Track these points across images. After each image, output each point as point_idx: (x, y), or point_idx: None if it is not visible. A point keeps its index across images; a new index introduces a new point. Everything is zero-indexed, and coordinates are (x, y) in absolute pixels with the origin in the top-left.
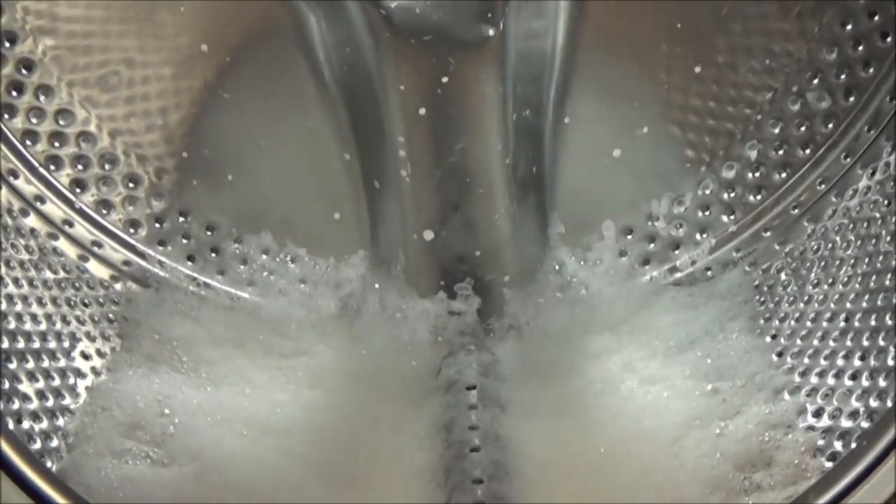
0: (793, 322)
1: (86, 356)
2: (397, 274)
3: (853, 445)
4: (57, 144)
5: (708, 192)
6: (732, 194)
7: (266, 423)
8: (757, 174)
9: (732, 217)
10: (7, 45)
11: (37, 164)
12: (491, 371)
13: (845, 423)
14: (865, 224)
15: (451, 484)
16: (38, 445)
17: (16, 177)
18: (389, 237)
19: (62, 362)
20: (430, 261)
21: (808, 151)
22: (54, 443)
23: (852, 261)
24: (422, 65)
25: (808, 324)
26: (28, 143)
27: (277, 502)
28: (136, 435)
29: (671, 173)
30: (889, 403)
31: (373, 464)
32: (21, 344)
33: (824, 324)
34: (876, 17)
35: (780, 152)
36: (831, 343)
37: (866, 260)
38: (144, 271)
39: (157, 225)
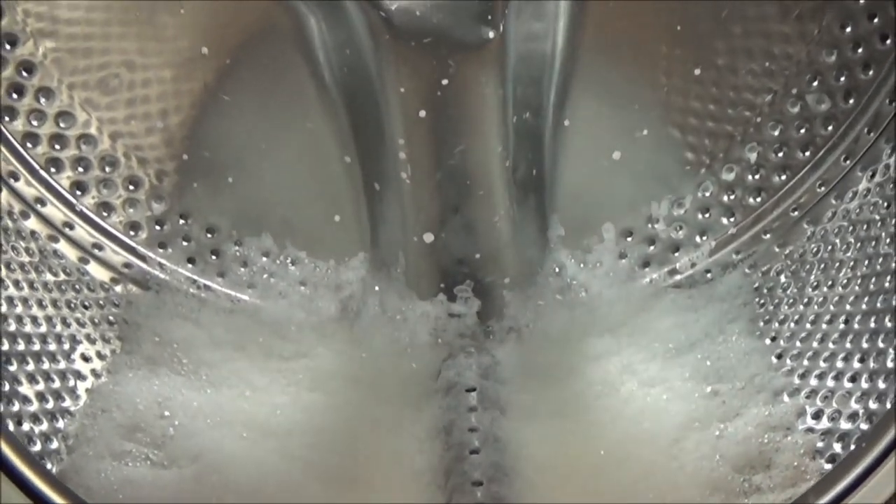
0: (792, 324)
1: (86, 358)
2: (397, 276)
3: (852, 447)
4: (57, 147)
5: (708, 194)
6: (732, 196)
7: (266, 425)
8: (757, 176)
9: (732, 219)
10: (7, 47)
11: (37, 167)
12: (491, 373)
13: (845, 425)
14: (865, 226)
15: (450, 486)
16: (38, 447)
17: (16, 179)
18: (389, 239)
19: (62, 364)
20: (430, 263)
21: (807, 154)
22: (54, 445)
23: (852, 263)
24: (422, 67)
25: (808, 326)
26: (28, 145)
27: None
28: (136, 437)
29: (671, 175)
30: (888, 405)
31: (373, 466)
32: (21, 346)
33: (824, 326)
34: (875, 20)
35: (780, 154)
36: (831, 345)
37: (866, 262)
38: (145, 274)
39: (158, 227)
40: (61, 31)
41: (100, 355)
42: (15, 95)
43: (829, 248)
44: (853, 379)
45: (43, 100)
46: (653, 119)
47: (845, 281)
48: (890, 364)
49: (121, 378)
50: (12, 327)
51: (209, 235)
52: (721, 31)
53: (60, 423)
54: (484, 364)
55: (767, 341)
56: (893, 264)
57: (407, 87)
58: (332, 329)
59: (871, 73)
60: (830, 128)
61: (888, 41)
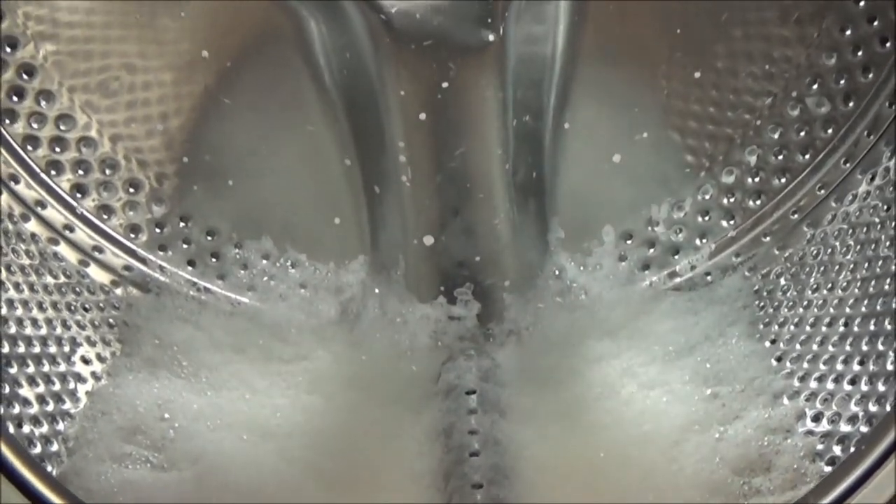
0: (792, 327)
1: (86, 361)
2: (397, 279)
3: (852, 450)
4: (58, 149)
5: (707, 197)
6: (732, 199)
7: (266, 427)
8: (756, 179)
9: (732, 222)
10: (8, 50)
11: (38, 169)
12: (491, 376)
13: (844, 427)
14: (865, 229)
15: (450, 488)
16: (38, 450)
17: (17, 182)
18: (390, 242)
19: (62, 367)
20: (431, 266)
21: (807, 156)
22: (54, 447)
23: (852, 266)
24: (422, 70)
25: (808, 328)
26: (29, 148)
27: None
28: (136, 439)
29: (671, 178)
30: (888, 408)
31: (372, 468)
32: (21, 348)
33: (823, 328)
34: (875, 23)
35: (780, 157)
36: (830, 348)
37: (866, 265)
38: (145, 276)
39: (158, 230)
40: (62, 33)
41: (100, 358)
42: (15, 98)
43: (829, 250)
44: (853, 381)
45: (43, 102)
46: (653, 122)
47: (845, 284)
48: (889, 367)
49: (121, 380)
50: (12, 330)
51: (209, 238)
52: (721, 34)
53: (60, 426)
54: (484, 367)
55: (767, 344)
56: (893, 267)
57: (407, 89)
58: (332, 332)
59: (870, 76)
60: (830, 131)
61: (888, 44)
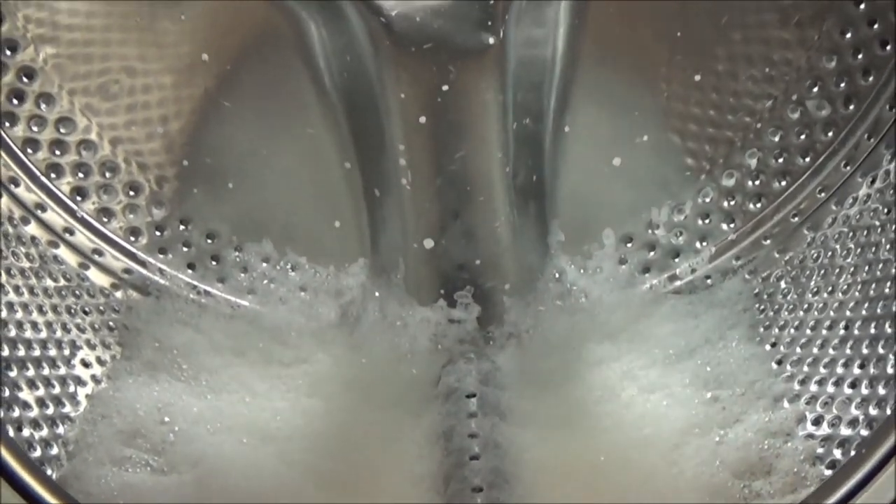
0: (792, 330)
1: (86, 364)
2: (397, 282)
3: (853, 453)
4: (58, 152)
5: (708, 200)
6: (732, 202)
7: (266, 430)
8: (757, 182)
9: (732, 225)
10: (8, 53)
11: (38, 172)
12: (491, 379)
13: (845, 431)
14: (865, 232)
15: (450, 492)
16: (38, 453)
17: (17, 185)
18: (390, 245)
19: (62, 370)
20: (431, 269)
21: (807, 160)
22: (54, 450)
23: (852, 269)
24: (422, 73)
25: (808, 332)
26: (29, 151)
27: None
28: (136, 443)
29: (671, 181)
30: (888, 411)
31: (372, 471)
32: (21, 352)
33: (824, 332)
34: (875, 26)
35: (780, 160)
36: (831, 351)
37: (866, 268)
38: (145, 279)
39: (158, 233)
40: (62, 36)
41: (100, 361)
42: (15, 101)
43: (830, 253)
44: (853, 385)
45: (43, 105)
46: (653, 125)
47: (845, 287)
48: (890, 370)
49: (121, 384)
50: (12, 333)
51: (209, 241)
52: (721, 37)
53: (60, 429)
54: (484, 370)
55: (767, 347)
56: (893, 270)
57: (407, 92)
58: (332, 335)
59: (871, 78)
60: (830, 134)
61: (888, 47)
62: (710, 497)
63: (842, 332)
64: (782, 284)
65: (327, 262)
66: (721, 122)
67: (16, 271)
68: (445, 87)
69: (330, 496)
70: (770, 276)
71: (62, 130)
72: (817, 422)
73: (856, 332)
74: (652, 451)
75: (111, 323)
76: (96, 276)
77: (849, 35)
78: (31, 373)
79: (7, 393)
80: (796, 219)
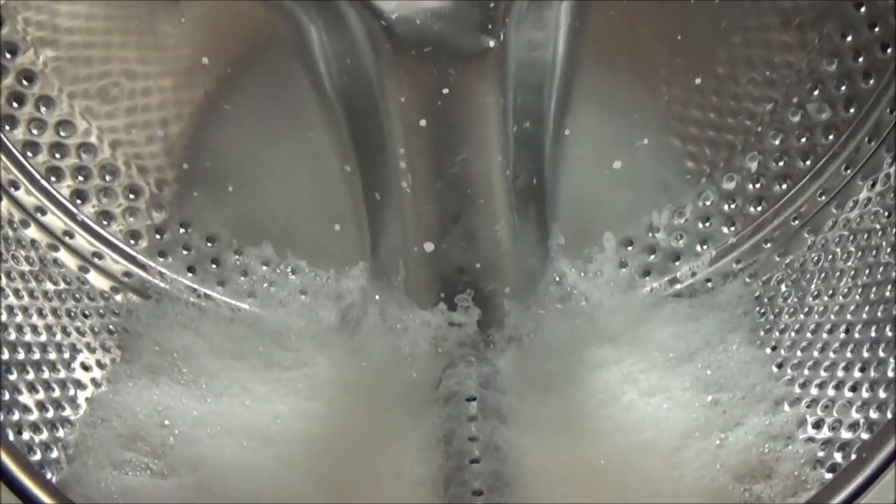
0: (793, 333)
1: (86, 367)
2: (398, 285)
3: (853, 457)
4: (58, 155)
5: (708, 203)
6: (733, 206)
7: (266, 434)
8: (757, 185)
9: (733, 228)
10: (8, 56)
11: (37, 176)
12: (491, 382)
13: (845, 434)
14: (866, 235)
15: (450, 495)
16: (38, 457)
17: (16, 188)
18: (390, 248)
19: (62, 373)
20: (431, 272)
21: (808, 163)
22: (54, 454)
23: (852, 272)
24: (422, 76)
25: (809, 335)
26: (29, 154)
27: None
28: (136, 446)
29: (671, 185)
30: (889, 415)
31: (372, 475)
32: (21, 355)
33: (824, 335)
34: (876, 29)
35: (781, 164)
36: (831, 354)
37: (867, 271)
38: (145, 282)
39: (158, 236)
40: (62, 39)
41: (100, 364)
42: (15, 104)
43: (830, 257)
44: (854, 388)
45: (43, 108)
46: (653, 128)
47: (846, 290)
48: (890, 373)
49: (121, 387)
50: (12, 336)
51: (209, 244)
52: (721, 40)
53: (60, 433)
54: (484, 373)
55: (768, 350)
56: (894, 273)
57: (407, 96)
58: (333, 338)
59: (871, 82)
60: (831, 137)
61: (889, 50)
62: (710, 500)
63: (842, 335)
64: (783, 288)
65: (327, 265)
66: (721, 126)
67: (15, 275)
68: (446, 91)
69: (330, 499)
70: (770, 280)
71: (62, 133)
72: (818, 425)
73: (856, 335)
74: (652, 454)
75: (111, 326)
76: (96, 280)
77: (849, 38)
78: (30, 376)
79: (7, 396)
80: (797, 222)
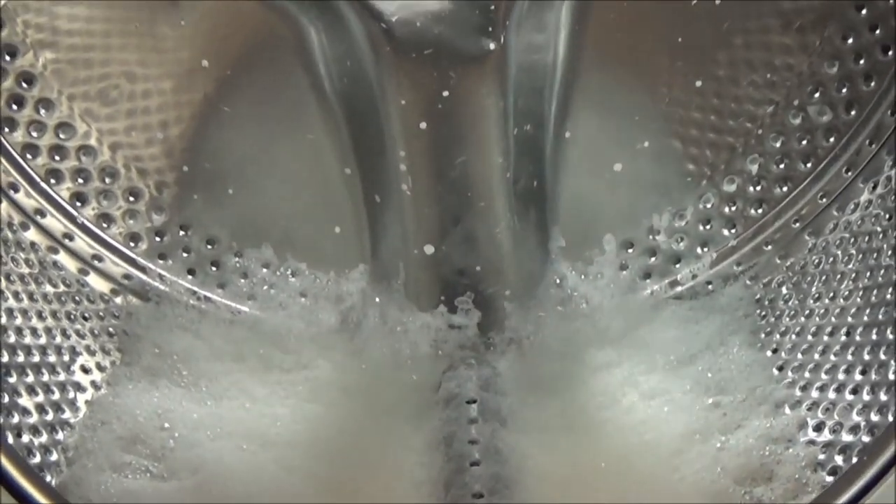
0: (794, 336)
1: (86, 370)
2: (398, 288)
3: (854, 460)
4: (57, 158)
5: (709, 205)
6: (733, 208)
7: (266, 436)
8: (758, 188)
9: (733, 231)
10: (7, 58)
11: (37, 178)
12: (491, 385)
13: (846, 437)
14: (867, 238)
15: (450, 498)
16: (37, 459)
17: (16, 190)
18: (390, 251)
19: (62, 376)
20: (431, 275)
21: (809, 165)
22: (54, 457)
23: (853, 275)
24: (422, 79)
25: (810, 338)
26: (28, 156)
27: None
28: (135, 449)
29: (672, 187)
30: (890, 418)
31: (373, 477)
32: (21, 358)
33: (825, 338)
34: (877, 31)
35: (782, 166)
36: (832, 357)
37: (867, 274)
38: (145, 285)
39: (158, 238)
40: (61, 42)
41: (99, 367)
42: (15, 106)
43: (831, 259)
44: (855, 391)
45: (43, 111)
46: (654, 130)
47: (847, 293)
48: (891, 376)
49: (121, 390)
50: (12, 339)
51: (209, 247)
52: (722, 42)
53: (60, 435)
54: (484, 376)
55: (769, 353)
56: (895, 276)
57: (407, 98)
58: (333, 340)
59: (872, 84)
60: (832, 139)
61: (890, 52)
62: (711, 503)
63: (843, 338)
64: (783, 290)
65: (327, 267)
66: (722, 128)
67: (15, 277)
68: (446, 93)
69: (330, 501)
70: (771, 282)
71: (62, 136)
72: (819, 428)
73: (857, 338)
74: (653, 457)
75: (111, 329)
76: (96, 282)
77: (850, 40)
78: (30, 379)
79: (6, 399)
80: (797, 224)
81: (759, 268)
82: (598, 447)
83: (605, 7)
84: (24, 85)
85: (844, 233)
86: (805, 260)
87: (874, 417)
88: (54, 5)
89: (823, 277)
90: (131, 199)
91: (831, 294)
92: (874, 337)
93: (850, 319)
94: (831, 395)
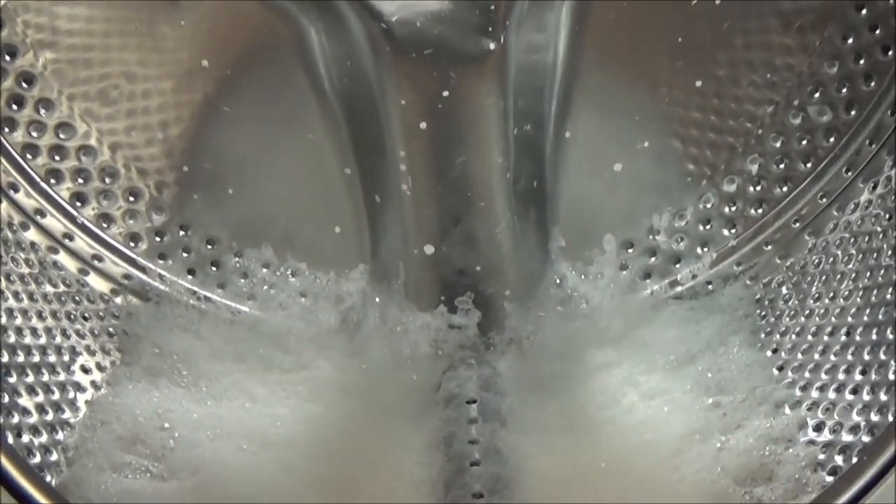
0: (794, 336)
1: (86, 370)
2: (398, 288)
3: (854, 460)
4: (57, 158)
5: (709, 205)
6: (733, 208)
7: (266, 436)
8: (758, 188)
9: (733, 231)
10: (7, 58)
11: (37, 178)
12: (491, 385)
13: (846, 437)
14: (867, 238)
15: (450, 498)
16: (37, 459)
17: (16, 190)
18: (390, 251)
19: (62, 376)
20: (431, 275)
21: (809, 165)
22: (54, 457)
23: (853, 275)
24: (422, 79)
25: (810, 338)
26: (28, 156)
27: None
28: (135, 449)
29: (672, 187)
30: (890, 418)
31: (372, 478)
32: (21, 358)
33: (825, 338)
34: (877, 31)
35: (782, 166)
36: (832, 357)
37: (867, 274)
38: (145, 285)
39: (158, 238)
40: (61, 42)
41: (99, 367)
42: (15, 106)
43: (831, 259)
44: (855, 391)
45: (43, 111)
46: (654, 131)
47: (847, 293)
48: (891, 376)
49: (120, 390)
50: (12, 339)
51: (209, 247)
52: (722, 42)
53: (60, 435)
54: (485, 376)
55: (769, 353)
56: (895, 276)
57: (407, 98)
58: (333, 340)
59: (872, 84)
60: (832, 139)
61: (890, 52)
62: (711, 503)
63: (843, 338)
64: (783, 290)
65: (327, 267)
66: (722, 128)
67: (15, 277)
68: (446, 93)
69: (330, 502)
70: (771, 282)
71: (62, 136)
72: (819, 428)
73: (857, 338)
74: (653, 456)
75: (111, 329)
76: (96, 282)
77: (850, 40)
78: (30, 379)
79: (6, 399)
80: (797, 224)
81: (760, 268)
82: (598, 447)
83: (605, 7)
84: (24, 85)
85: (844, 233)
86: (805, 260)
87: (874, 417)
88: (54, 5)
89: (823, 277)
90: (131, 199)
91: (831, 294)
92: (874, 337)
93: (850, 319)
94: (831, 395)
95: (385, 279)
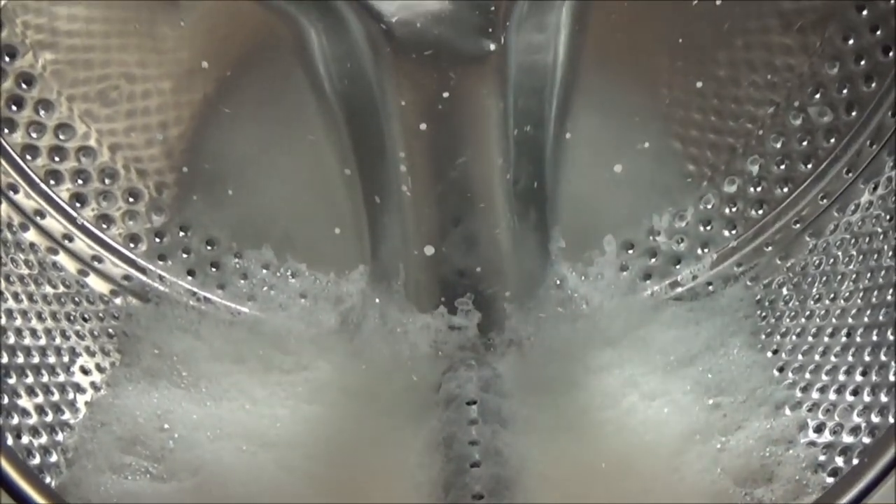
0: (794, 337)
1: (85, 371)
2: (398, 289)
3: (855, 461)
4: (57, 159)
5: (709, 206)
6: (734, 209)
7: (266, 437)
8: (758, 189)
9: (734, 232)
10: (7, 59)
11: (37, 179)
12: (491, 386)
13: (847, 438)
14: (867, 239)
15: (451, 499)
16: (37, 461)
17: (16, 191)
18: (390, 252)
19: (61, 377)
20: (431, 276)
21: (809, 166)
22: (53, 458)
23: (854, 276)
24: (422, 79)
25: (810, 339)
26: (28, 157)
27: None
28: (135, 450)
29: (672, 188)
30: (891, 419)
31: (373, 478)
32: (20, 359)
33: (826, 339)
34: (878, 32)
35: (782, 167)
36: (833, 358)
37: (868, 275)
38: (144, 286)
39: (158, 239)
40: (61, 42)
41: (99, 368)
42: (14, 107)
43: (831, 260)
44: (855, 392)
45: (42, 112)
46: (654, 131)
47: (847, 294)
48: (892, 377)
49: (120, 391)
50: (11, 340)
51: (209, 247)
52: (723, 43)
53: (60, 436)
54: (485, 377)
55: (769, 354)
56: (895, 277)
57: (407, 99)
58: (333, 341)
59: (873, 85)
60: (832, 140)
61: (890, 53)
62: None
63: (844, 339)
64: (784, 291)
65: (327, 268)
66: (723, 129)
67: (15, 278)
68: (446, 94)
69: (330, 502)
70: (772, 283)
71: (61, 137)
72: (819, 429)
73: (858, 339)
74: (653, 457)
75: (111, 330)
76: (96, 283)
77: (851, 41)
78: (30, 380)
79: (6, 400)
80: (798, 225)
81: (760, 269)
82: (598, 448)
83: (605, 7)
84: (24, 86)
85: (845, 234)
86: (805, 261)
87: (875, 419)
88: (54, 6)
89: (824, 278)
90: (131, 200)
91: (832, 295)
92: (875, 338)
93: (850, 320)
94: (832, 396)
95: (385, 280)
